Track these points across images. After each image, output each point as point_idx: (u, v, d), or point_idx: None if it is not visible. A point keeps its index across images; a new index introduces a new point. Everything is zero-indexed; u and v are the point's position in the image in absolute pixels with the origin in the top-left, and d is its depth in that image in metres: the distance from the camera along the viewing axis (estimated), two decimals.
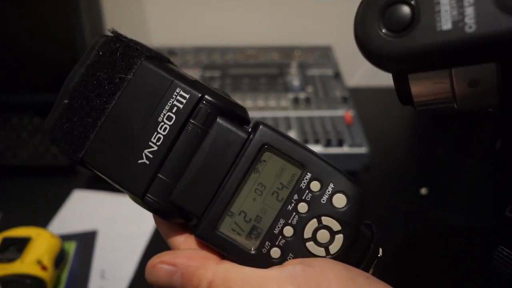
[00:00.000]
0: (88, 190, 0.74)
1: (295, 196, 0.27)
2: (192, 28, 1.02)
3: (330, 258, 0.27)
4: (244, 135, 0.27)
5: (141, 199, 0.27)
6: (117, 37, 0.27)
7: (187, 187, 0.27)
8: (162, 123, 0.27)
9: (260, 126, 0.27)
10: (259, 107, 0.84)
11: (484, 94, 0.22)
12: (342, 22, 0.89)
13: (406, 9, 0.21)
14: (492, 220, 0.66)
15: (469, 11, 0.20)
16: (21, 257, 0.54)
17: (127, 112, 0.27)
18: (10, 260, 0.53)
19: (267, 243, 0.27)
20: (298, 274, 0.25)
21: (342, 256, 0.27)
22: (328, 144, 0.75)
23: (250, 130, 0.27)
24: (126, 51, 0.27)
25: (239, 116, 0.28)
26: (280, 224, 0.27)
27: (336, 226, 0.27)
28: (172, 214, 0.28)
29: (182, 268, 0.26)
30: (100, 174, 0.28)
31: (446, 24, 0.20)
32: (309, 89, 0.89)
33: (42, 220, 0.67)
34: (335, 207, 0.27)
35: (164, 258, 0.27)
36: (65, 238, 0.63)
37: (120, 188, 0.28)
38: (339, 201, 0.27)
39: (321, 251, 0.27)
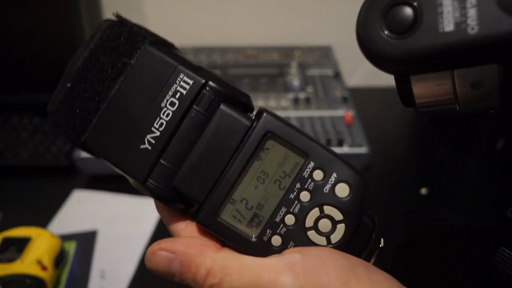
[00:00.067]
0: (88, 190, 0.74)
1: (298, 185, 0.27)
2: (192, 28, 1.01)
3: (331, 247, 0.27)
4: (247, 122, 0.27)
5: (142, 184, 0.27)
6: (121, 22, 0.27)
7: (189, 173, 0.27)
8: (165, 109, 0.26)
9: (264, 114, 0.27)
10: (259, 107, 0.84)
11: (486, 96, 0.22)
12: (342, 22, 0.90)
13: (408, 11, 0.21)
14: (492, 220, 0.66)
15: (472, 12, 0.20)
16: (21, 257, 0.53)
17: (130, 97, 0.27)
18: (10, 260, 0.53)
19: (268, 231, 0.27)
20: (297, 262, 0.25)
21: (343, 246, 0.27)
22: (328, 144, 0.74)
23: (253, 117, 0.27)
24: (130, 36, 0.27)
25: (242, 103, 0.28)
26: (282, 212, 0.27)
27: (338, 215, 0.27)
28: (174, 200, 0.28)
29: (181, 255, 0.26)
30: (102, 158, 0.28)
31: (448, 25, 0.20)
32: (309, 89, 0.89)
33: (42, 220, 0.67)
34: (337, 197, 0.27)
35: (163, 245, 0.27)
36: (65, 238, 0.63)
37: (122, 173, 0.28)
38: (342, 190, 0.27)
39: (322, 240, 0.27)
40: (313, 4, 1.02)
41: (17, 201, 0.73)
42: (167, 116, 0.26)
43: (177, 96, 0.26)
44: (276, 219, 0.27)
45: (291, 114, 0.82)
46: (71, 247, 0.64)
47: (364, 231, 0.28)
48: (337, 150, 0.74)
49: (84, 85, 0.27)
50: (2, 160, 0.78)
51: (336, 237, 0.27)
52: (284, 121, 0.27)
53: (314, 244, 0.27)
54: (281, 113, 0.86)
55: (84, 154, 0.73)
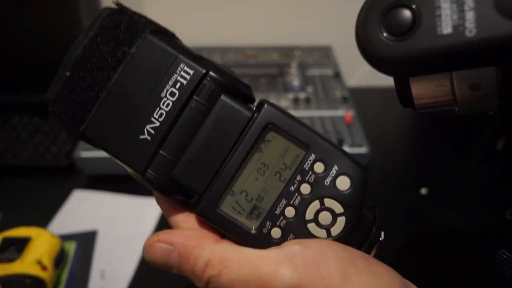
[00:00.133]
0: (88, 190, 0.74)
1: (298, 177, 0.27)
2: (192, 28, 1.01)
3: (331, 240, 0.27)
4: (248, 113, 0.27)
5: (141, 175, 0.27)
6: (121, 10, 0.27)
7: (189, 164, 0.27)
8: (165, 99, 0.26)
9: (265, 105, 0.27)
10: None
11: (485, 98, 0.23)
12: (342, 22, 0.89)
13: (407, 13, 0.21)
14: (491, 221, 0.66)
15: (470, 15, 0.20)
16: (21, 257, 0.53)
17: (129, 86, 0.27)
18: (10, 260, 0.53)
19: (268, 223, 0.27)
20: (296, 254, 0.25)
21: (343, 239, 0.27)
22: None
23: (254, 108, 0.27)
24: (130, 24, 0.27)
25: (243, 94, 0.28)
26: (282, 204, 0.27)
27: (338, 208, 0.27)
28: (173, 191, 0.27)
29: (179, 247, 0.26)
30: (101, 148, 0.27)
31: (446, 28, 0.20)
32: (309, 89, 0.89)
33: (42, 220, 0.67)
34: (338, 189, 0.27)
35: (161, 237, 0.27)
36: (65, 238, 0.63)
37: (121, 163, 0.27)
38: (343, 183, 0.27)
39: (322, 232, 0.27)
40: (313, 4, 1.02)
41: (17, 201, 0.73)
42: (167, 106, 0.26)
43: (177, 86, 0.26)
44: (276, 211, 0.27)
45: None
46: (71, 247, 0.64)
47: (364, 224, 0.28)
48: None
49: (83, 74, 0.27)
50: (2, 160, 0.78)
51: (336, 229, 0.27)
52: (286, 113, 0.27)
53: (314, 236, 0.27)
54: None
55: (84, 154, 0.73)
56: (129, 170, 0.28)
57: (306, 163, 0.27)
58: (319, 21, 1.04)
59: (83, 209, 0.71)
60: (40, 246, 0.55)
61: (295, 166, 0.27)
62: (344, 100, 0.85)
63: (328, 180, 0.27)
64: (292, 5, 1.02)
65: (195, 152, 0.27)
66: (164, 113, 0.26)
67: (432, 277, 0.58)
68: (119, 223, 0.68)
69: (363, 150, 0.74)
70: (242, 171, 0.27)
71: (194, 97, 0.26)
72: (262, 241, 0.27)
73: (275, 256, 0.25)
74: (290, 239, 0.27)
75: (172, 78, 0.26)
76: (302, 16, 1.03)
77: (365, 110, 0.89)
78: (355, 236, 0.27)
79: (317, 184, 0.27)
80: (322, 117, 0.81)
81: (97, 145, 0.28)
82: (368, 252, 0.27)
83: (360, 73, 1.06)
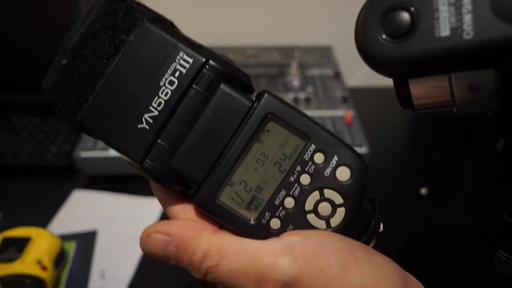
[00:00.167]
0: (88, 190, 0.74)
1: (298, 168, 0.26)
2: (192, 28, 1.01)
3: (330, 231, 0.26)
4: (248, 103, 0.26)
5: (139, 165, 0.26)
6: None
7: (188, 154, 0.26)
8: (164, 88, 0.26)
9: (265, 94, 0.26)
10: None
11: (484, 99, 0.23)
12: (342, 22, 0.89)
13: (405, 16, 0.21)
14: (491, 221, 0.66)
15: (467, 18, 0.20)
16: (21, 257, 0.54)
17: (127, 74, 0.26)
18: (10, 260, 0.53)
19: (267, 213, 0.26)
20: (296, 245, 0.25)
21: (342, 230, 0.27)
22: None
23: (254, 98, 0.27)
24: (129, 12, 0.26)
25: (243, 83, 0.27)
26: (281, 195, 0.26)
27: (338, 199, 0.26)
28: (171, 181, 0.27)
29: (176, 238, 0.26)
30: (98, 138, 0.27)
31: (444, 30, 0.21)
32: (309, 89, 0.89)
33: (42, 220, 0.67)
34: (338, 180, 0.26)
35: (158, 227, 0.26)
36: (65, 238, 0.63)
37: (118, 153, 0.27)
38: (343, 174, 0.26)
39: (322, 223, 0.27)
40: (313, 4, 1.02)
41: (17, 201, 0.73)
42: (165, 95, 0.26)
43: (176, 75, 0.26)
44: (275, 202, 0.26)
45: None
46: (71, 247, 0.64)
47: (364, 215, 0.28)
48: None
49: (80, 62, 0.26)
50: (2, 160, 0.78)
51: (336, 220, 0.27)
52: (286, 103, 0.27)
53: (313, 227, 0.27)
54: None
55: (84, 154, 0.73)
56: (126, 159, 0.27)
57: (306, 153, 0.26)
58: (319, 21, 1.04)
59: (83, 209, 0.71)
60: (40, 246, 0.56)
61: (295, 156, 0.26)
62: (344, 100, 0.85)
63: (328, 170, 0.26)
64: (292, 5, 1.02)
65: (194, 141, 0.26)
66: (163, 102, 0.26)
67: (431, 277, 0.58)
68: (119, 223, 0.68)
69: (363, 150, 0.74)
70: (242, 161, 0.27)
71: (194, 86, 0.26)
72: (261, 232, 0.26)
73: (274, 247, 0.25)
74: (289, 230, 0.26)
75: (171, 67, 0.26)
76: (302, 16, 1.03)
77: (365, 110, 0.89)
78: (354, 228, 0.27)
79: (317, 175, 0.26)
80: (322, 117, 0.81)
81: (94, 134, 0.27)
82: (367, 243, 0.27)
83: (360, 73, 1.06)
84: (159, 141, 0.26)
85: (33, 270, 0.53)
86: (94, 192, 0.74)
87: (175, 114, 0.26)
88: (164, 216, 0.40)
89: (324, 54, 1.01)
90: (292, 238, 0.25)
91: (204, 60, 0.26)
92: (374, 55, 0.22)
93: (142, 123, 0.26)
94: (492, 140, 0.75)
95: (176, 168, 0.26)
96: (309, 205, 0.26)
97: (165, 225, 0.26)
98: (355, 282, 0.24)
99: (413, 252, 0.65)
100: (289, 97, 0.86)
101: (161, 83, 0.26)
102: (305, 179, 0.26)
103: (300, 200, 0.26)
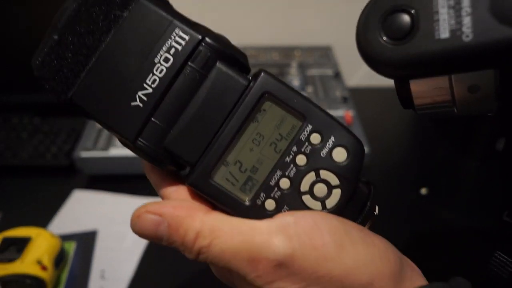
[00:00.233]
0: (88, 190, 0.74)
1: (294, 148, 0.26)
2: None
3: (326, 212, 0.26)
4: (244, 82, 0.26)
5: (132, 143, 0.26)
6: None
7: (182, 133, 0.26)
8: (159, 65, 0.25)
9: (262, 73, 0.26)
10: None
11: (484, 99, 0.23)
12: (342, 22, 0.90)
13: (406, 18, 0.22)
14: (490, 222, 0.66)
15: (467, 20, 0.20)
16: (21, 257, 0.54)
17: (121, 51, 0.25)
18: (10, 260, 0.53)
19: (262, 194, 0.26)
20: (290, 225, 0.24)
21: (338, 211, 0.26)
22: None
23: (251, 78, 0.26)
24: None
25: (240, 62, 0.27)
26: (277, 176, 0.26)
27: (334, 180, 0.26)
28: (165, 161, 0.27)
29: (168, 218, 0.25)
30: (90, 116, 0.26)
31: (444, 32, 0.21)
32: (309, 89, 0.89)
33: (42, 220, 0.67)
34: (334, 161, 0.26)
35: (149, 208, 0.26)
36: (65, 238, 0.63)
37: (111, 132, 0.27)
38: (339, 155, 0.26)
39: (317, 205, 0.26)
40: (313, 4, 1.02)
41: (17, 201, 0.73)
42: (160, 72, 0.25)
43: (171, 52, 0.25)
44: (270, 183, 0.26)
45: None
46: (71, 247, 0.64)
47: (359, 197, 0.28)
48: None
49: (72, 38, 0.25)
50: (2, 160, 0.78)
51: (331, 202, 0.26)
52: (283, 82, 0.26)
53: (308, 208, 0.26)
54: None
55: (84, 154, 0.73)
56: (119, 138, 0.27)
57: (303, 134, 0.26)
58: (319, 21, 1.04)
59: (83, 209, 0.71)
60: (40, 246, 0.56)
61: (291, 136, 0.26)
62: (344, 100, 0.85)
63: (325, 151, 0.26)
64: (292, 5, 1.02)
65: (188, 120, 0.26)
66: (158, 79, 0.25)
67: (431, 276, 0.58)
68: (119, 223, 0.68)
69: None
70: (237, 141, 0.26)
71: (189, 63, 0.25)
72: (255, 213, 0.26)
73: (267, 227, 0.25)
74: (284, 211, 0.26)
75: (166, 44, 0.25)
76: (302, 16, 1.03)
77: (365, 110, 0.89)
78: (350, 209, 0.27)
79: (313, 156, 0.26)
80: None
81: (85, 113, 0.26)
82: (362, 225, 0.27)
83: (360, 73, 1.06)
84: (153, 119, 0.26)
85: (33, 270, 0.53)
86: (94, 192, 0.74)
87: (169, 92, 0.25)
88: None
89: (324, 54, 1.01)
90: (287, 218, 0.25)
91: (200, 37, 0.25)
92: (375, 56, 0.23)
93: (136, 100, 0.25)
94: (492, 140, 0.75)
95: (170, 147, 0.26)
96: (304, 186, 0.26)
97: (157, 205, 0.26)
98: (350, 261, 0.24)
99: (413, 252, 0.64)
100: None
101: (156, 60, 0.25)
102: (301, 159, 0.26)
103: (296, 181, 0.26)
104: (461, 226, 0.68)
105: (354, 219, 0.27)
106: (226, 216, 0.26)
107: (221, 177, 0.26)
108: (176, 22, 0.25)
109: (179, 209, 0.26)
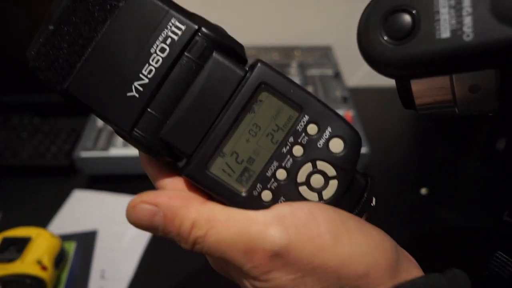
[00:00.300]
0: (88, 190, 0.74)
1: (291, 139, 0.26)
2: None
3: (322, 203, 0.26)
4: (241, 72, 0.26)
5: (128, 134, 0.26)
6: None
7: (178, 124, 0.26)
8: (155, 55, 0.25)
9: (259, 64, 0.26)
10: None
11: (485, 99, 0.23)
12: (342, 22, 0.90)
13: (407, 18, 0.22)
14: (491, 221, 0.66)
15: (467, 20, 0.20)
16: (21, 257, 0.54)
17: (117, 41, 0.25)
18: (10, 260, 0.53)
19: (258, 185, 0.26)
20: (286, 216, 0.24)
21: (335, 202, 0.26)
22: None
23: (247, 68, 0.26)
24: None
25: (236, 53, 0.27)
26: (273, 167, 0.26)
27: (331, 171, 0.26)
28: (161, 152, 0.27)
29: (164, 208, 0.25)
30: (86, 107, 0.26)
31: (445, 32, 0.21)
32: (309, 89, 0.89)
33: (42, 220, 0.68)
34: (331, 152, 0.26)
35: (145, 197, 0.25)
36: (65, 238, 0.63)
37: (106, 122, 0.26)
38: (336, 146, 0.26)
39: (314, 196, 0.26)
40: (313, 4, 1.02)
41: (17, 201, 0.73)
42: (156, 62, 0.25)
43: (168, 42, 0.25)
44: (267, 174, 0.26)
45: None
46: (71, 247, 0.64)
47: (356, 189, 0.27)
48: None
49: (67, 28, 0.25)
50: (2, 160, 0.78)
51: (328, 193, 0.26)
52: (280, 73, 0.26)
53: (305, 199, 0.26)
54: None
55: (84, 154, 0.73)
56: (115, 129, 0.27)
57: (299, 124, 0.26)
58: (319, 21, 1.04)
59: (83, 209, 0.71)
60: (40, 246, 0.56)
61: (288, 127, 0.26)
62: (344, 100, 0.85)
63: (321, 142, 0.26)
64: (292, 5, 1.02)
65: (184, 111, 0.25)
66: (154, 69, 0.25)
67: None
68: (119, 223, 0.68)
69: (363, 150, 0.74)
70: (233, 132, 0.26)
71: (185, 53, 0.25)
72: (252, 204, 0.26)
73: (264, 217, 0.24)
74: (281, 202, 0.26)
75: (162, 34, 0.25)
76: (302, 16, 1.03)
77: (365, 110, 0.89)
78: (346, 200, 0.27)
79: (310, 146, 0.26)
80: None
81: (81, 104, 0.26)
82: (359, 216, 0.27)
83: (360, 73, 1.06)
84: (149, 109, 0.25)
85: (33, 270, 0.53)
86: (94, 192, 0.74)
87: (166, 82, 0.25)
88: None
89: (324, 54, 1.01)
90: (283, 208, 0.25)
91: (196, 27, 0.25)
92: (376, 56, 0.23)
93: (132, 91, 0.25)
94: (492, 140, 0.75)
95: (166, 138, 0.26)
96: (301, 177, 0.26)
97: (152, 195, 0.26)
98: (346, 252, 0.24)
99: (413, 252, 0.64)
100: None
101: (152, 50, 0.25)
102: (297, 150, 0.26)
103: (293, 172, 0.26)
104: (461, 226, 0.68)
105: (350, 210, 0.27)
106: (222, 206, 0.26)
107: (217, 168, 0.26)
108: (172, 12, 0.25)
109: (175, 199, 0.25)
